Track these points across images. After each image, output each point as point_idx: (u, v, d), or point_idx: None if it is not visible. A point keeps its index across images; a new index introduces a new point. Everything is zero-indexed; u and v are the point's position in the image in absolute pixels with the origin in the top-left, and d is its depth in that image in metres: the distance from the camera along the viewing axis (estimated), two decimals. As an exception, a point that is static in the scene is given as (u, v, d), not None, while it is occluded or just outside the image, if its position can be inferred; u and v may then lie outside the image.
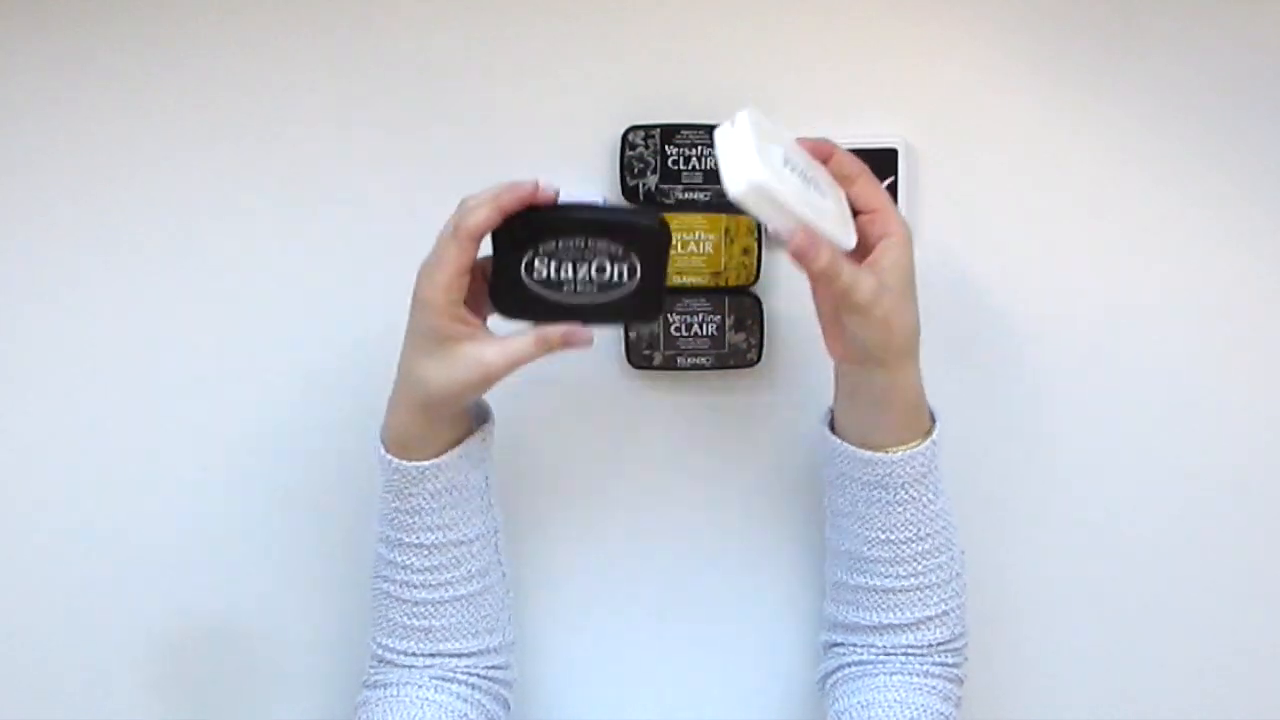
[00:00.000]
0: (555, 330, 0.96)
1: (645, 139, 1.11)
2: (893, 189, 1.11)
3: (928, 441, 1.03)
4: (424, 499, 1.01)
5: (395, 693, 1.03)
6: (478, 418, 1.05)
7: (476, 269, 0.97)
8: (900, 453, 1.02)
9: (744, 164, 0.91)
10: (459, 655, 1.04)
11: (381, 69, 1.13)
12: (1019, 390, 1.15)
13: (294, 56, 1.13)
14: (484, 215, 0.94)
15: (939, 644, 1.05)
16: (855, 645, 1.07)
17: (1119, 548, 1.16)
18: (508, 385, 1.09)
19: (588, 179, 1.13)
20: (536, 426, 1.15)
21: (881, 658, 1.05)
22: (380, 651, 1.05)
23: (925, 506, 1.03)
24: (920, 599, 1.04)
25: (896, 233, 0.99)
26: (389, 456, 1.00)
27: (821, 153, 1.00)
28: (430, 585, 1.03)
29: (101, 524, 1.15)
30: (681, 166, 1.12)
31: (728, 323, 1.13)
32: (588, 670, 1.18)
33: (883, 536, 1.04)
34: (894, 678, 1.04)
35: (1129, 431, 1.16)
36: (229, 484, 1.15)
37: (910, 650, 1.05)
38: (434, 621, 1.03)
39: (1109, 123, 1.13)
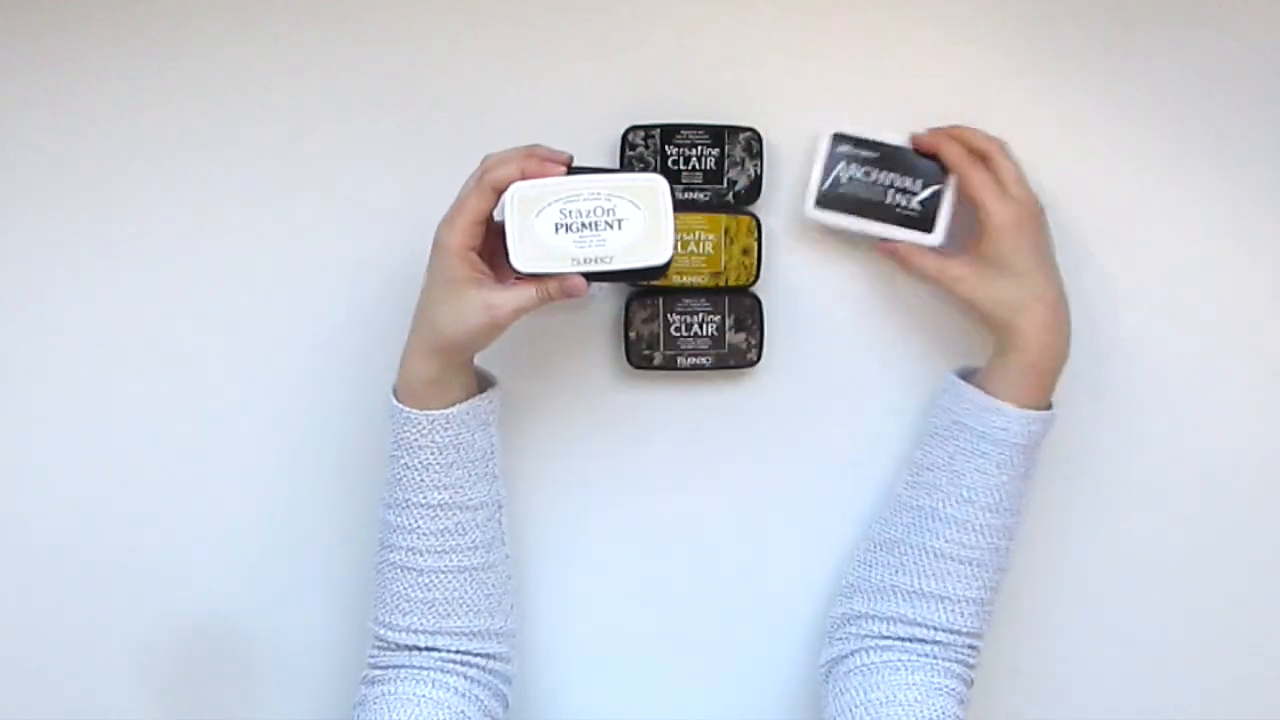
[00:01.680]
0: (553, 280, 0.99)
1: (645, 139, 1.11)
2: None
3: (1048, 413, 1.06)
4: (431, 453, 1.03)
5: (393, 689, 1.03)
6: (486, 384, 1.08)
7: (493, 226, 1.02)
8: (1023, 410, 1.05)
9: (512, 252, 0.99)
10: (460, 634, 1.05)
11: (381, 68, 1.13)
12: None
13: (293, 55, 1.13)
14: (507, 172, 0.99)
15: (965, 634, 1.06)
16: (880, 618, 1.07)
17: (1116, 548, 1.17)
18: (508, 383, 1.10)
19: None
20: (536, 426, 1.15)
21: (903, 643, 1.06)
22: (382, 632, 1.05)
23: (1017, 480, 1.06)
24: (970, 575, 1.05)
25: (988, 219, 1.05)
26: (399, 405, 1.03)
27: (927, 145, 1.09)
28: (436, 551, 1.04)
29: (100, 524, 1.15)
30: (681, 166, 1.12)
31: (728, 323, 1.13)
32: (586, 669, 1.18)
33: (967, 495, 1.06)
34: (914, 675, 1.04)
35: (1137, 432, 1.16)
36: (229, 484, 1.15)
37: (935, 637, 1.05)
38: (437, 593, 1.04)
39: (1104, 121, 1.14)
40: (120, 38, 1.12)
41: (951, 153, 1.07)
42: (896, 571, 1.07)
